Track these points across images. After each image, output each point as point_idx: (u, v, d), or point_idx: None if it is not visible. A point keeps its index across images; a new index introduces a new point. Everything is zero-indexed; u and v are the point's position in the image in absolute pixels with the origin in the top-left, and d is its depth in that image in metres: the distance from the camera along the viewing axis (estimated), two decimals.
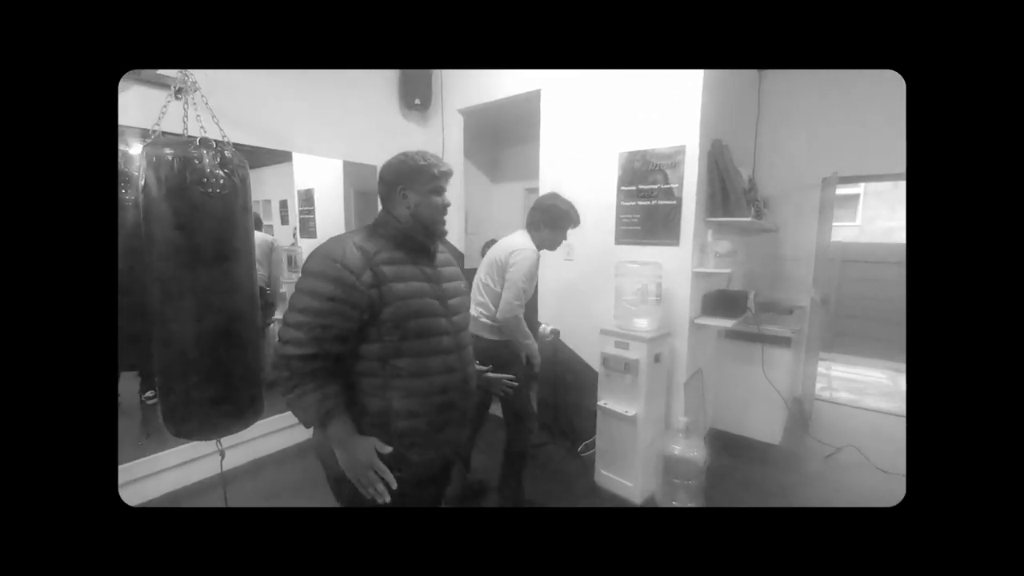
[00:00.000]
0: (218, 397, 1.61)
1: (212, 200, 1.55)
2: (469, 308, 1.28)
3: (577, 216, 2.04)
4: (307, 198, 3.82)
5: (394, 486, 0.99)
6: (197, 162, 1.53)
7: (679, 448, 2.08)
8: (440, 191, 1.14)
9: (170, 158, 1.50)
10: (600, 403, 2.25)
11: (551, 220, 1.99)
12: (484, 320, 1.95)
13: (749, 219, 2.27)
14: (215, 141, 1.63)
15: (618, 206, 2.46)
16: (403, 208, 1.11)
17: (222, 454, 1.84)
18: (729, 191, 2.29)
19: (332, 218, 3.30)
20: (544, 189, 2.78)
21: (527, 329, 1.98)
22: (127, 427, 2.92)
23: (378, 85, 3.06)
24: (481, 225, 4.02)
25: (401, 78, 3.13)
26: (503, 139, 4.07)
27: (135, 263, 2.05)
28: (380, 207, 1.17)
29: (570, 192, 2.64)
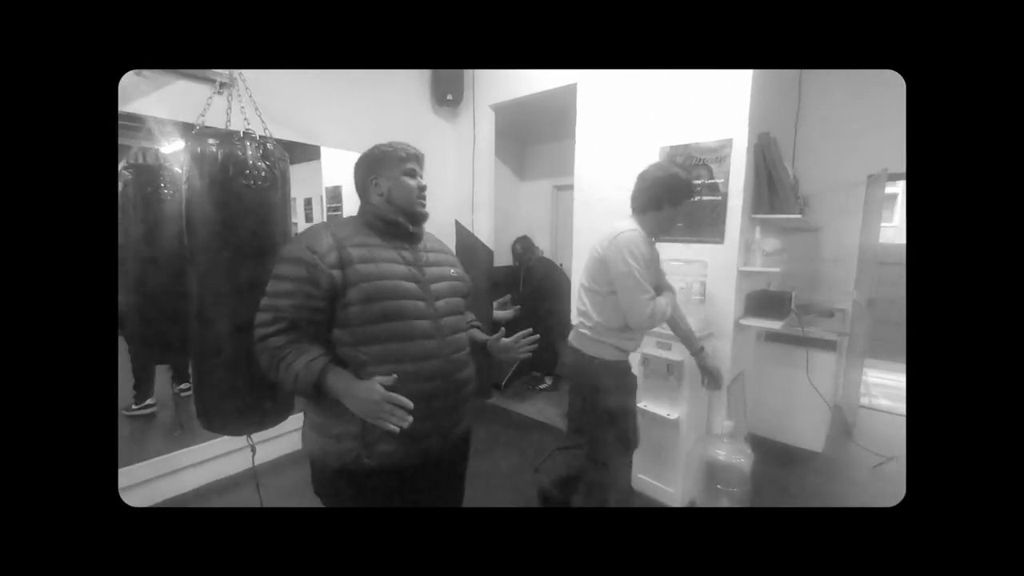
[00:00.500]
0: (252, 392, 1.59)
1: (254, 192, 1.53)
2: (461, 295, 1.22)
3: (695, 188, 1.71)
4: (335, 195, 3.83)
5: (410, 406, 0.94)
6: (240, 154, 1.52)
7: (723, 453, 1.99)
8: (412, 173, 1.14)
9: (214, 150, 1.49)
10: (640, 405, 2.17)
11: (672, 195, 1.56)
12: (584, 331, 1.64)
13: (799, 216, 2.16)
14: (258, 134, 1.61)
15: None
16: (376, 195, 1.13)
17: (253, 449, 1.82)
18: (777, 187, 2.19)
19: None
20: (579, 186, 2.72)
21: (689, 327, 1.74)
22: (162, 419, 2.96)
23: (410, 80, 3.04)
24: (509, 222, 3.97)
25: (433, 74, 3.10)
26: (533, 135, 4.01)
27: (168, 258, 2.07)
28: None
29: (606, 188, 2.60)
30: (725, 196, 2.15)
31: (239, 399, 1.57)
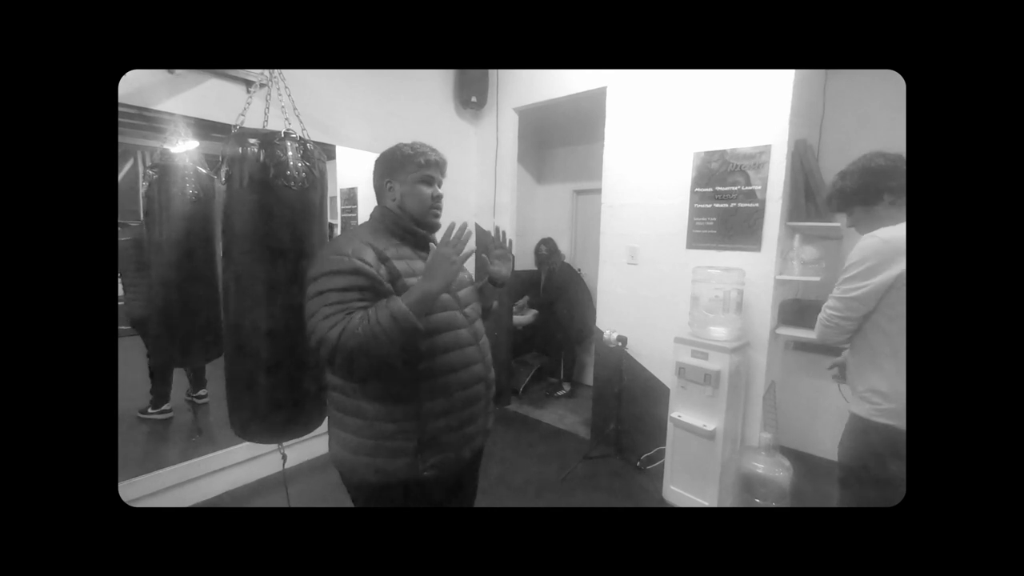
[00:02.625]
0: (286, 398, 1.54)
1: (294, 194, 1.49)
2: (476, 299, 1.22)
3: None
4: (349, 196, 3.78)
5: (466, 226, 0.97)
6: (281, 155, 1.47)
7: (762, 466, 1.95)
8: (429, 181, 1.09)
9: (256, 151, 1.45)
10: (673, 415, 2.13)
11: (899, 183, 1.24)
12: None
13: (838, 225, 2.12)
14: (299, 135, 1.57)
15: (691, 208, 2.34)
16: (390, 200, 1.10)
17: (284, 457, 1.77)
18: (815, 194, 2.15)
19: None
20: (607, 190, 2.68)
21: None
22: (178, 424, 2.91)
23: (434, 81, 3.00)
24: (528, 226, 3.93)
25: (458, 75, 3.07)
26: (553, 139, 3.98)
27: (194, 261, 2.03)
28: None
29: (636, 193, 2.56)
30: (763, 203, 2.11)
31: (274, 405, 1.52)
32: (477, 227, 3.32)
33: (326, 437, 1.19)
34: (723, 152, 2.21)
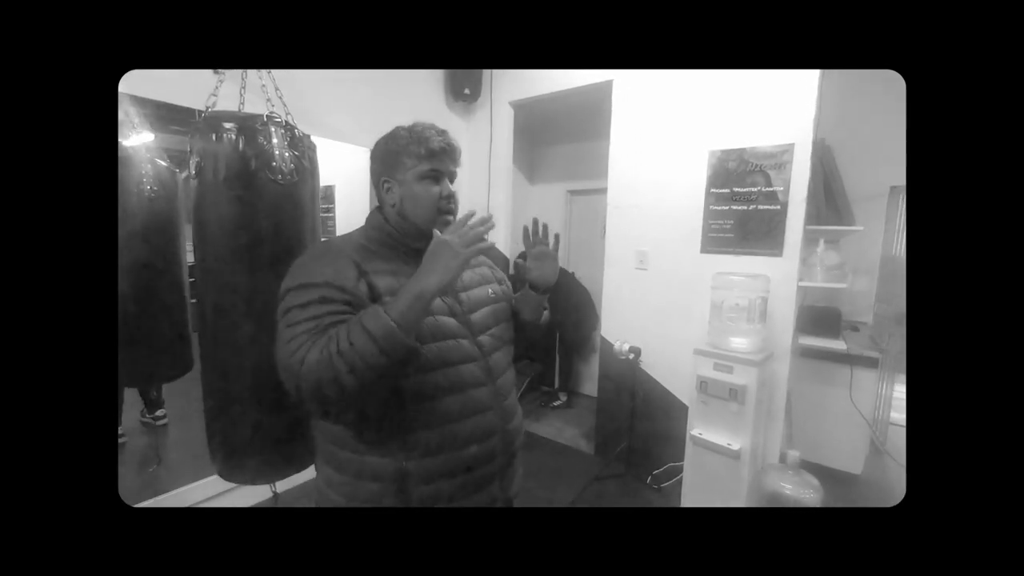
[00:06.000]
0: (277, 430, 1.30)
1: (280, 188, 1.25)
2: (505, 319, 0.98)
3: None
4: (326, 195, 3.50)
5: (490, 218, 0.76)
6: (265, 143, 1.24)
7: (790, 487, 1.82)
8: (434, 176, 0.85)
9: (233, 138, 1.20)
10: (693, 432, 1.98)
11: None
12: None
13: (862, 228, 2.03)
14: (284, 120, 1.34)
15: (706, 210, 2.20)
16: (388, 204, 0.87)
17: (275, 495, 1.53)
18: (836, 196, 2.06)
19: (356, 215, 3.01)
20: (613, 190, 2.53)
21: None
22: (132, 450, 2.58)
23: (424, 72, 2.77)
24: (520, 229, 3.74)
25: None
26: (547, 136, 3.80)
27: (145, 267, 1.75)
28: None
29: (645, 195, 2.41)
30: (784, 205, 1.99)
31: (263, 440, 1.27)
32: None
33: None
34: (741, 151, 2.08)
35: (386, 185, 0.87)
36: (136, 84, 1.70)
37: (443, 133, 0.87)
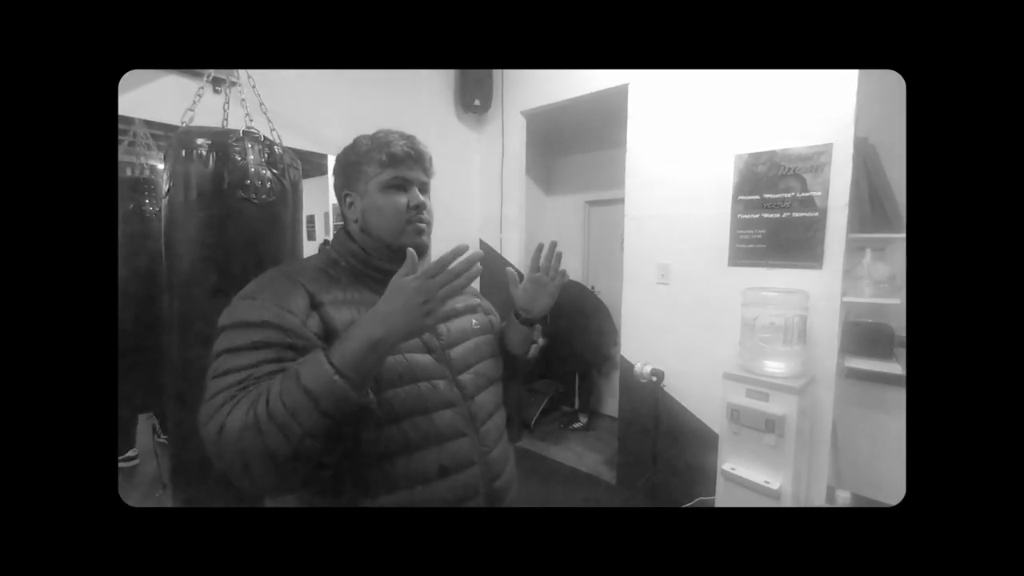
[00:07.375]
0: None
1: (257, 209, 1.16)
2: (492, 355, 0.85)
3: None
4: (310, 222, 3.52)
5: (478, 258, 0.59)
6: (240, 159, 1.15)
7: None
8: (399, 185, 0.73)
9: (204, 152, 1.12)
10: (725, 467, 1.77)
11: None
12: None
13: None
14: (263, 134, 1.25)
15: (733, 219, 2.01)
16: (351, 220, 0.77)
17: None
18: (883, 201, 1.83)
19: None
20: (630, 198, 2.37)
21: None
22: (145, 473, 2.56)
23: (433, 82, 2.70)
24: (535, 241, 3.61)
25: (459, 76, 2.77)
26: (562, 146, 3.67)
27: (149, 289, 1.71)
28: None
29: (666, 203, 2.24)
30: (823, 212, 1.79)
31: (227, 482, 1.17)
32: (481, 244, 2.99)
33: None
34: (772, 153, 1.89)
35: (348, 199, 0.77)
36: (143, 105, 1.67)
37: (408, 137, 0.76)
